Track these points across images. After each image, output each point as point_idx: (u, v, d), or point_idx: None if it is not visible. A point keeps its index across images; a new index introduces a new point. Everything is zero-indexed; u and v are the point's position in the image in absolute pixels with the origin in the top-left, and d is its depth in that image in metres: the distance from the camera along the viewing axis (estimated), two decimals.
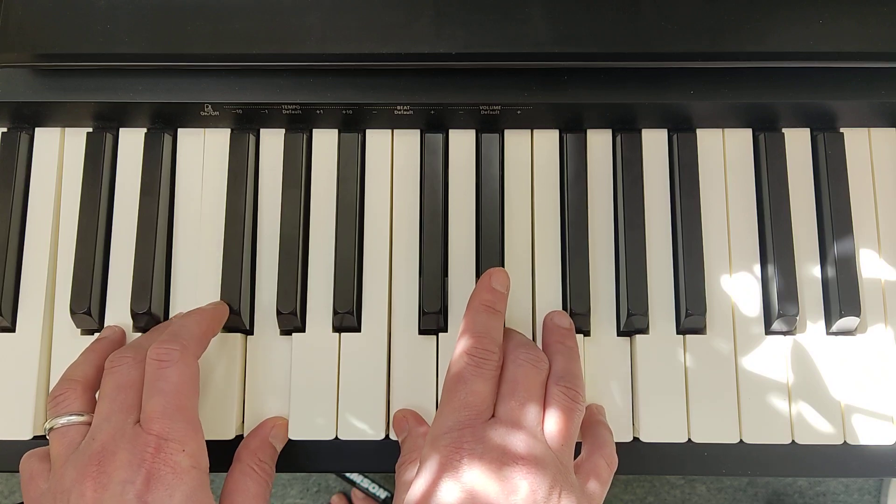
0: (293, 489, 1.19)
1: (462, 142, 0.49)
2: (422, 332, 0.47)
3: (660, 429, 0.45)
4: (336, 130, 0.49)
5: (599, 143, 0.49)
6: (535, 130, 0.49)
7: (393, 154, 0.49)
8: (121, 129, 0.49)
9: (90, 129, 0.49)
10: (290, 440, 0.46)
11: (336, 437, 0.45)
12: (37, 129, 0.49)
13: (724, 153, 0.49)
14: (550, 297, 0.47)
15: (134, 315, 0.46)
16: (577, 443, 0.41)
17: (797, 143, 0.49)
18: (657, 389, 0.45)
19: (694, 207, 0.47)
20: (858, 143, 0.49)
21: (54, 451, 0.40)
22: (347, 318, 0.46)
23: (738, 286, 0.47)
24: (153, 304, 0.46)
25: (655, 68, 0.46)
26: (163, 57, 0.45)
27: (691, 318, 0.45)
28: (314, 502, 1.19)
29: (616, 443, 0.43)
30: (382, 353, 0.46)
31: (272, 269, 0.47)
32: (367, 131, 0.49)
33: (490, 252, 0.47)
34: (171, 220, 0.48)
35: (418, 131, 0.49)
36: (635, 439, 0.46)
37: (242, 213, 0.47)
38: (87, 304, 0.46)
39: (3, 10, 0.45)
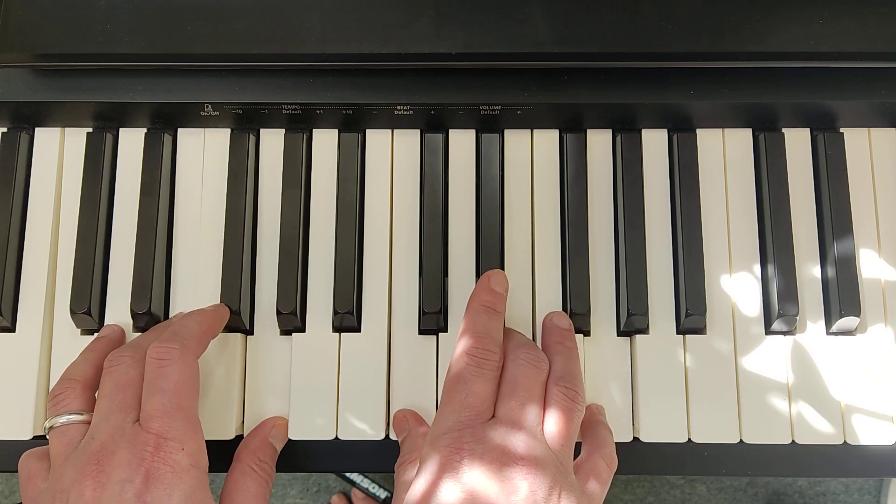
0: (293, 489, 1.19)
1: (462, 142, 0.49)
2: (422, 332, 0.47)
3: (660, 429, 0.45)
4: (336, 130, 0.49)
5: (599, 143, 0.49)
6: (535, 130, 0.49)
7: (393, 154, 0.49)
8: (121, 129, 0.49)
9: (90, 129, 0.49)
10: (290, 440, 0.46)
11: (336, 437, 0.45)
12: (37, 129, 0.49)
13: (724, 153, 0.49)
14: (550, 297, 0.47)
15: (134, 315, 0.46)
16: (577, 443, 0.41)
17: (797, 143, 0.49)
18: (657, 389, 0.45)
19: (694, 207, 0.47)
20: (858, 143, 0.49)
21: (54, 449, 0.40)
22: (347, 318, 0.46)
23: (738, 286, 0.47)
24: (153, 304, 0.46)
25: (655, 68, 0.46)
26: (163, 57, 0.45)
27: (691, 318, 0.45)
28: (314, 502, 1.19)
29: (616, 443, 0.43)
30: (382, 353, 0.46)
31: (272, 269, 0.47)
32: (367, 131, 0.49)
33: (490, 252, 0.47)
34: (171, 220, 0.48)
35: (418, 131, 0.49)
36: (635, 439, 0.46)
37: (242, 213, 0.47)
38: (87, 304, 0.46)
39: (3, 10, 0.45)
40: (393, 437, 0.46)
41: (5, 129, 0.49)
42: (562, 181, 0.48)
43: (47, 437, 0.41)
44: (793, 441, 0.45)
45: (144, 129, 0.49)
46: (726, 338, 0.46)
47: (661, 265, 0.47)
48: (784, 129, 0.49)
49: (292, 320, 0.46)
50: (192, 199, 0.48)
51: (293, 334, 0.46)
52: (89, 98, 0.46)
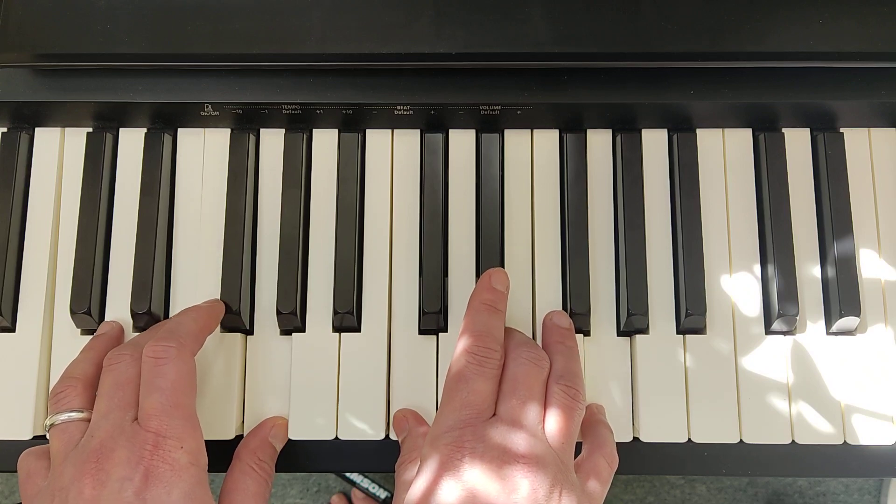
0: (293, 489, 1.19)
1: (462, 142, 0.49)
2: (422, 332, 0.47)
3: (660, 429, 0.45)
4: (336, 130, 0.49)
5: (599, 143, 0.49)
6: (535, 130, 0.49)
7: (393, 154, 0.49)
8: (121, 129, 0.49)
9: (90, 129, 0.49)
10: (290, 440, 0.46)
11: (336, 437, 0.45)
12: (37, 129, 0.49)
13: (724, 153, 0.49)
14: (550, 296, 0.47)
15: (134, 315, 0.46)
16: (577, 442, 0.41)
17: (797, 143, 0.49)
18: (657, 389, 0.45)
19: (694, 207, 0.47)
20: (858, 143, 0.49)
21: (54, 447, 0.40)
22: (347, 318, 0.46)
23: (738, 286, 0.47)
24: (153, 303, 0.46)
25: (655, 68, 0.46)
26: (163, 57, 0.45)
27: (691, 318, 0.45)
28: (314, 502, 1.19)
29: (616, 443, 0.43)
30: (382, 353, 0.46)
31: (272, 269, 0.47)
32: (367, 131, 0.49)
33: (490, 252, 0.47)
34: (171, 220, 0.48)
35: (418, 131, 0.49)
36: (635, 439, 0.46)
37: (242, 213, 0.47)
38: (87, 304, 0.46)
39: (3, 10, 0.45)
40: (393, 437, 0.46)
41: (5, 129, 0.49)
42: (562, 181, 0.48)
43: (47, 435, 0.41)
44: (793, 441, 0.45)
45: (144, 129, 0.49)
46: (726, 338, 0.46)
47: (661, 265, 0.47)
48: (784, 129, 0.49)
49: (292, 320, 0.46)
50: (192, 199, 0.48)
51: (293, 334, 0.46)
52: (89, 98, 0.46)
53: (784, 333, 0.46)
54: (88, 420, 0.40)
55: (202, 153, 0.49)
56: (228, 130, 0.49)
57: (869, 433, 0.45)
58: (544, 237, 0.48)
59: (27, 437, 0.45)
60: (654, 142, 0.49)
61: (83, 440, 0.39)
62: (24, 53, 0.45)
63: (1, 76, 0.46)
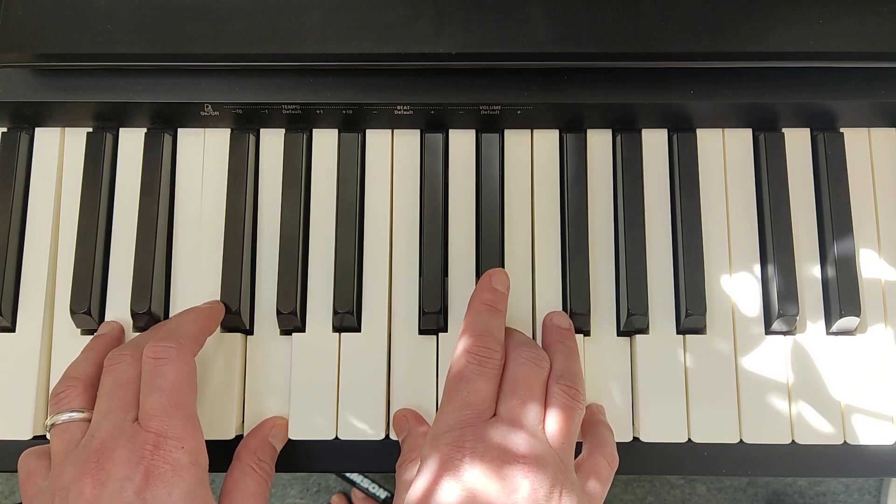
0: (293, 489, 1.19)
1: (462, 142, 0.49)
2: (422, 332, 0.47)
3: (660, 429, 0.45)
4: (336, 130, 0.49)
5: (599, 143, 0.49)
6: (535, 130, 0.49)
7: (393, 154, 0.49)
8: (121, 129, 0.49)
9: (90, 129, 0.49)
10: (290, 440, 0.46)
11: (336, 437, 0.45)
12: (37, 129, 0.49)
13: (724, 153, 0.49)
14: (550, 297, 0.47)
15: (134, 315, 0.46)
16: (577, 442, 0.41)
17: (797, 143, 0.49)
18: (657, 389, 0.45)
19: (694, 207, 0.47)
20: (858, 143, 0.49)
21: (55, 447, 0.40)
22: (347, 318, 0.46)
23: (738, 286, 0.47)
24: (153, 303, 0.46)
25: (655, 68, 0.46)
26: (163, 57, 0.45)
27: (691, 318, 0.45)
28: (314, 502, 1.19)
29: (616, 443, 0.43)
30: (382, 353, 0.46)
31: (272, 269, 0.47)
32: (367, 131, 0.49)
33: (490, 252, 0.47)
34: (171, 220, 0.48)
35: (418, 131, 0.49)
36: (635, 439, 0.46)
37: (242, 213, 0.47)
38: (87, 304, 0.46)
39: (3, 10, 0.45)
40: (393, 437, 0.46)
41: (5, 129, 0.49)
42: (562, 181, 0.48)
43: (48, 435, 0.41)
44: (793, 441, 0.45)
45: (144, 129, 0.49)
46: (726, 338, 0.46)
47: (661, 265, 0.47)
48: (784, 129, 0.49)
49: (292, 320, 0.46)
50: (192, 199, 0.48)
51: (293, 334, 0.46)
52: (89, 98, 0.46)
53: (784, 333, 0.46)
54: (89, 420, 0.40)
55: (202, 153, 0.49)
56: (228, 130, 0.49)
57: (869, 433, 0.45)
58: (544, 237, 0.48)
59: (27, 437, 0.45)
60: (654, 142, 0.49)
61: (84, 440, 0.39)
62: (24, 53, 0.45)
63: (1, 76, 0.46)
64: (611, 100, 0.46)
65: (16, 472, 0.42)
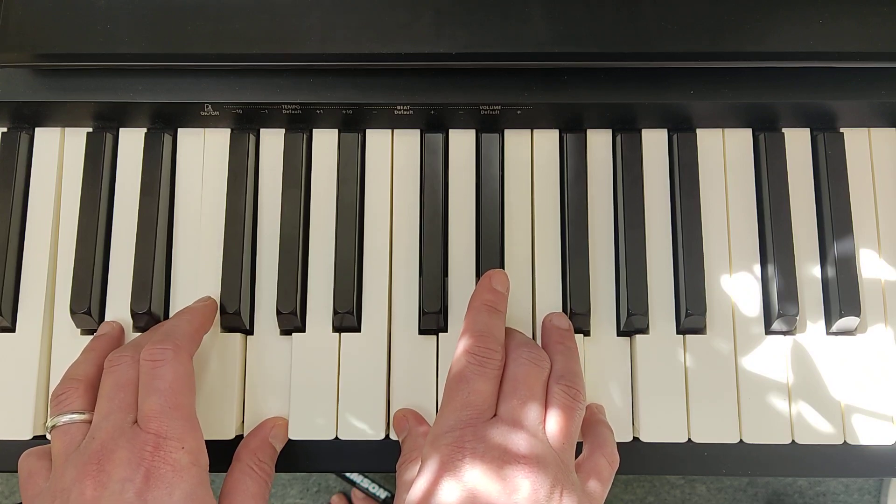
0: (293, 489, 1.19)
1: (462, 142, 0.49)
2: (422, 332, 0.47)
3: (660, 429, 0.45)
4: (336, 130, 0.49)
5: (599, 143, 0.49)
6: (535, 130, 0.49)
7: (393, 154, 0.49)
8: (121, 129, 0.49)
9: (90, 129, 0.49)
10: (290, 440, 0.46)
11: (336, 437, 0.45)
12: (37, 129, 0.49)
13: (724, 153, 0.49)
14: (550, 296, 0.47)
15: (134, 315, 0.46)
16: (577, 442, 0.41)
17: (797, 143, 0.49)
18: (657, 389, 0.45)
19: (694, 207, 0.47)
20: (858, 143, 0.49)
21: (55, 449, 0.40)
22: (347, 318, 0.46)
23: (738, 286, 0.47)
24: (153, 303, 0.46)
25: (655, 68, 0.46)
26: (163, 57, 0.45)
27: (691, 318, 0.45)
28: (314, 502, 1.19)
29: (616, 443, 0.43)
30: (382, 353, 0.46)
31: (272, 269, 0.47)
32: (367, 131, 0.49)
33: (490, 252, 0.47)
34: (171, 220, 0.48)
35: (418, 131, 0.49)
36: (635, 439, 0.46)
37: (242, 213, 0.47)
38: (87, 304, 0.46)
39: (3, 10, 0.45)
40: (393, 437, 0.46)
41: (5, 129, 0.49)
42: (562, 181, 0.48)
43: (48, 436, 0.41)
44: (793, 441, 0.45)
45: (144, 129, 0.49)
46: (726, 338, 0.46)
47: (661, 265, 0.47)
48: (784, 129, 0.49)
49: (292, 320, 0.46)
50: (192, 199, 0.48)
51: (293, 334, 0.46)
52: (89, 98, 0.46)
53: (784, 333, 0.46)
54: (90, 422, 0.40)
55: (202, 153, 0.49)
56: (228, 130, 0.49)
57: (869, 433, 0.45)
58: (544, 237, 0.48)
59: (27, 437, 0.45)
60: (654, 142, 0.49)
61: (84, 442, 0.39)
62: (24, 53, 0.45)
63: (1, 76, 0.46)
64: (611, 100, 0.46)
65: (16, 472, 0.42)
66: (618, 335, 0.47)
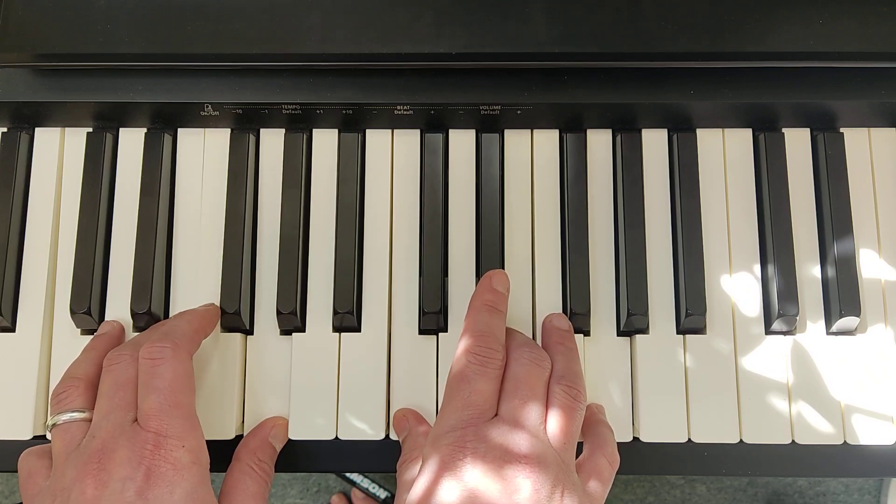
0: (293, 489, 1.19)
1: (462, 142, 0.49)
2: (422, 332, 0.47)
3: (660, 429, 0.45)
4: (336, 130, 0.49)
5: (599, 143, 0.49)
6: (535, 130, 0.49)
7: (393, 154, 0.49)
8: (121, 129, 0.49)
9: (90, 129, 0.49)
10: (290, 440, 0.46)
11: (336, 437, 0.45)
12: (37, 129, 0.49)
13: (724, 153, 0.49)
14: (550, 297, 0.47)
15: (134, 315, 0.46)
16: (578, 442, 0.41)
17: (797, 143, 0.49)
18: (657, 389, 0.45)
19: (694, 207, 0.47)
20: (858, 143, 0.49)
21: (56, 448, 0.40)
22: (347, 318, 0.46)
23: (738, 286, 0.47)
24: (153, 303, 0.46)
25: (655, 68, 0.46)
26: (163, 57, 0.45)
27: (691, 318, 0.45)
28: (314, 502, 1.19)
29: (616, 443, 0.43)
30: (382, 353, 0.46)
31: (272, 269, 0.47)
32: (367, 131, 0.49)
33: (490, 252, 0.47)
34: (171, 220, 0.48)
35: (418, 131, 0.49)
36: (635, 439, 0.46)
37: (242, 213, 0.47)
38: (87, 304, 0.46)
39: (3, 10, 0.45)
40: (393, 437, 0.46)
41: (5, 129, 0.49)
42: (562, 181, 0.48)
43: (49, 435, 0.41)
44: (793, 441, 0.45)
45: (144, 129, 0.49)
46: (726, 338, 0.46)
47: (661, 265, 0.47)
48: (784, 129, 0.49)
49: (292, 320, 0.46)
50: (192, 199, 0.48)
51: (293, 334, 0.46)
52: (89, 98, 0.46)
53: (784, 333, 0.46)
54: (90, 420, 0.40)
55: (202, 153, 0.49)
56: (228, 130, 0.49)
57: (869, 433, 0.45)
58: (544, 237, 0.48)
59: (27, 437, 0.45)
60: (654, 142, 0.49)
61: (85, 441, 0.39)
62: (24, 53, 0.45)
63: (1, 76, 0.46)
64: (611, 100, 0.46)
65: (16, 472, 0.42)
66: (618, 335, 0.47)
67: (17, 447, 0.44)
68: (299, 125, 0.48)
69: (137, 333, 0.46)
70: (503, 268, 0.47)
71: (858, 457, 0.46)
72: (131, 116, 0.48)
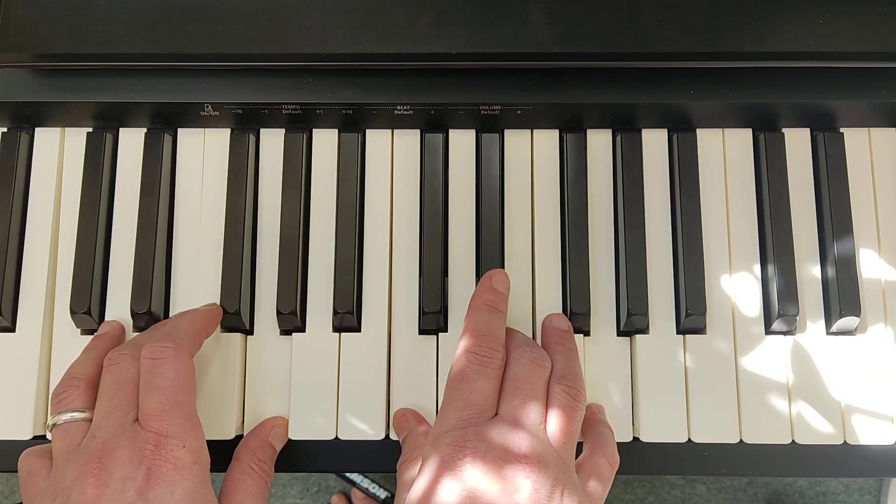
0: (293, 489, 1.19)
1: (462, 142, 0.49)
2: (422, 332, 0.47)
3: (660, 429, 0.45)
4: (336, 130, 0.49)
5: (599, 143, 0.49)
6: (535, 130, 0.49)
7: (393, 154, 0.49)
8: (121, 129, 0.49)
9: (90, 129, 0.49)
10: (290, 440, 0.46)
11: (336, 437, 0.45)
12: (37, 129, 0.49)
13: (724, 153, 0.49)
14: (550, 297, 0.47)
15: (134, 315, 0.46)
16: (578, 442, 0.41)
17: (797, 143, 0.49)
18: (657, 389, 0.45)
19: (694, 207, 0.47)
20: (858, 143, 0.49)
21: (56, 448, 0.40)
22: (347, 318, 0.46)
23: (738, 286, 0.47)
24: (153, 303, 0.46)
25: (655, 68, 0.46)
26: (163, 57, 0.45)
27: (691, 318, 0.45)
28: (314, 502, 1.19)
29: (616, 443, 0.43)
30: (382, 353, 0.46)
31: (272, 269, 0.47)
32: (367, 131, 0.49)
33: (490, 252, 0.47)
34: (171, 220, 0.48)
35: (418, 131, 0.49)
36: (635, 439, 0.46)
37: (242, 213, 0.47)
38: (87, 304, 0.46)
39: (3, 10, 0.45)
40: (393, 437, 0.46)
41: (5, 129, 0.49)
42: (562, 181, 0.48)
43: (48, 434, 0.41)
44: (793, 441, 0.45)
45: (144, 129, 0.49)
46: (726, 338, 0.46)
47: (661, 265, 0.47)
48: (784, 129, 0.49)
49: (292, 320, 0.46)
50: (192, 199, 0.48)
51: (293, 334, 0.46)
52: (89, 98, 0.46)
53: (784, 333, 0.46)
54: (90, 420, 0.40)
55: (202, 153, 0.49)
56: (228, 130, 0.49)
57: (869, 433, 0.45)
58: (544, 237, 0.48)
59: (27, 437, 0.45)
60: (654, 142, 0.49)
61: (85, 440, 0.39)
62: (24, 53, 0.45)
63: (1, 76, 0.46)
64: (611, 100, 0.46)
65: (16, 472, 0.42)
66: (618, 335, 0.47)
67: (17, 447, 0.44)
68: (299, 125, 0.48)
69: (137, 333, 0.46)
70: (503, 268, 0.47)
71: (858, 457, 0.46)
72: (131, 116, 0.48)
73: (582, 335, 0.46)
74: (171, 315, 0.47)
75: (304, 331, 0.47)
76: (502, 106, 0.46)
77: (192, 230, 0.48)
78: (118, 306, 0.47)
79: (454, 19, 0.44)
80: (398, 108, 0.46)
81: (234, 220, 0.47)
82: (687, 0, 0.44)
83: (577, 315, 0.46)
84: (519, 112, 0.47)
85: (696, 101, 0.46)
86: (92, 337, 0.45)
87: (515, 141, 0.49)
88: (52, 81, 0.46)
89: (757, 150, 0.48)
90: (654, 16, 0.44)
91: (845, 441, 0.45)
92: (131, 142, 0.49)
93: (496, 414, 0.39)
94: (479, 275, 0.47)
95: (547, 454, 0.38)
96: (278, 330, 0.47)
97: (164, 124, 0.49)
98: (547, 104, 0.46)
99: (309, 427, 0.45)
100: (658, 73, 0.46)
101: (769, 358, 0.46)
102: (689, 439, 0.45)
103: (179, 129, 0.49)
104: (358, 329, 0.47)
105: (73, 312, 0.46)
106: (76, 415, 0.40)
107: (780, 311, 0.45)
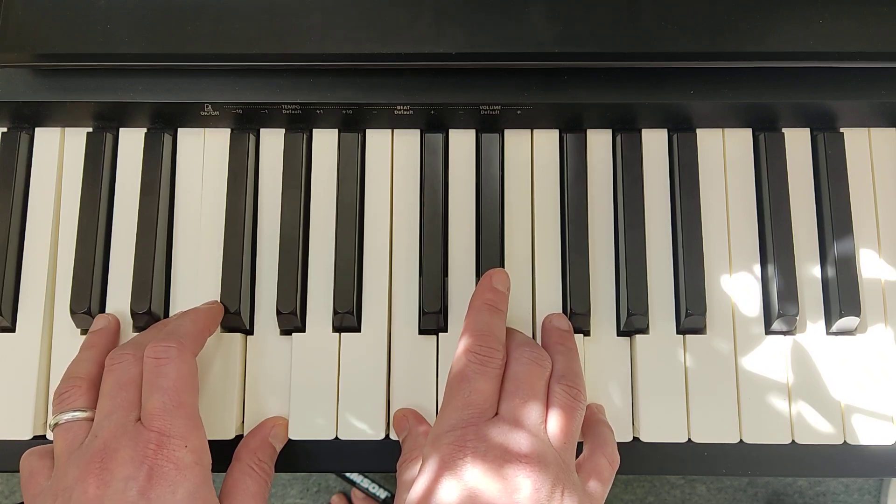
0: (293, 489, 1.19)
1: (462, 142, 0.49)
2: (422, 332, 0.47)
3: (660, 429, 0.45)
4: (336, 130, 0.49)
5: (599, 143, 0.49)
6: (535, 130, 0.49)
7: (393, 154, 0.49)
8: (121, 129, 0.49)
9: (90, 129, 0.49)
10: (290, 440, 0.46)
11: (336, 437, 0.45)
12: (37, 129, 0.49)
13: (724, 153, 0.49)
14: (550, 296, 0.47)
15: (134, 315, 0.46)
16: (578, 442, 0.41)
17: (797, 143, 0.49)
18: (657, 389, 0.45)
19: (694, 207, 0.47)
20: (858, 143, 0.49)
21: (58, 447, 0.40)
22: (347, 318, 0.46)
23: (738, 286, 0.47)
24: (153, 303, 0.46)
25: (655, 68, 0.46)
26: (163, 57, 0.45)
27: (691, 318, 0.45)
28: (314, 502, 1.19)
29: (616, 442, 0.43)
30: (382, 353, 0.46)
31: (272, 269, 0.47)
32: (367, 131, 0.49)
33: (490, 252, 0.47)
34: (171, 219, 0.48)
35: (418, 131, 0.49)
36: (635, 439, 0.46)
37: (242, 213, 0.47)
38: (87, 304, 0.46)
39: (3, 10, 0.45)
40: (393, 436, 0.46)
41: (5, 129, 0.49)
42: (562, 181, 0.48)
43: (50, 435, 0.41)
44: (793, 441, 0.45)
45: (144, 129, 0.49)
46: (726, 338, 0.46)
47: (661, 265, 0.47)
48: (784, 129, 0.49)
49: (292, 320, 0.46)
50: (192, 199, 0.48)
51: (293, 334, 0.46)
52: (89, 98, 0.46)
53: (784, 333, 0.46)
54: (92, 420, 0.40)
55: (202, 153, 0.49)
56: (228, 130, 0.49)
57: (869, 433, 0.45)
58: (544, 237, 0.48)
59: (27, 437, 0.45)
60: (654, 142, 0.49)
61: (87, 440, 0.39)
62: (24, 53, 0.45)
63: (1, 76, 0.46)
64: (611, 100, 0.46)
65: (16, 472, 0.42)
66: (618, 335, 0.47)
67: (17, 447, 0.44)
68: (299, 125, 0.48)
69: (137, 333, 0.46)
70: (503, 268, 0.47)
71: (858, 457, 0.46)
72: (131, 116, 0.48)
73: (582, 335, 0.46)
74: (171, 315, 0.47)
75: (304, 331, 0.47)
76: (502, 106, 0.46)
77: (192, 230, 0.48)
78: (118, 306, 0.47)
79: (454, 19, 0.44)
80: (398, 108, 0.46)
81: (234, 220, 0.47)
82: (687, 0, 0.44)
83: (577, 315, 0.46)
84: (519, 112, 0.47)
85: (696, 101, 0.46)
86: (88, 333, 0.45)
87: (515, 141, 0.49)
88: (52, 81, 0.46)
89: (757, 150, 0.49)
90: (653, 16, 0.44)
91: (845, 441, 0.45)
92: (131, 142, 0.49)
93: (496, 414, 0.39)
94: (479, 275, 0.47)
95: (547, 454, 0.38)
96: (278, 330, 0.47)
97: (164, 124, 0.49)
98: (547, 104, 0.46)
99: (309, 427, 0.45)
100: (658, 73, 0.46)
101: (769, 358, 0.46)
102: (689, 439, 0.45)
103: (179, 129, 0.49)
104: (358, 329, 0.47)
105: (73, 312, 0.46)
106: (78, 414, 0.40)
107: (780, 311, 0.45)
